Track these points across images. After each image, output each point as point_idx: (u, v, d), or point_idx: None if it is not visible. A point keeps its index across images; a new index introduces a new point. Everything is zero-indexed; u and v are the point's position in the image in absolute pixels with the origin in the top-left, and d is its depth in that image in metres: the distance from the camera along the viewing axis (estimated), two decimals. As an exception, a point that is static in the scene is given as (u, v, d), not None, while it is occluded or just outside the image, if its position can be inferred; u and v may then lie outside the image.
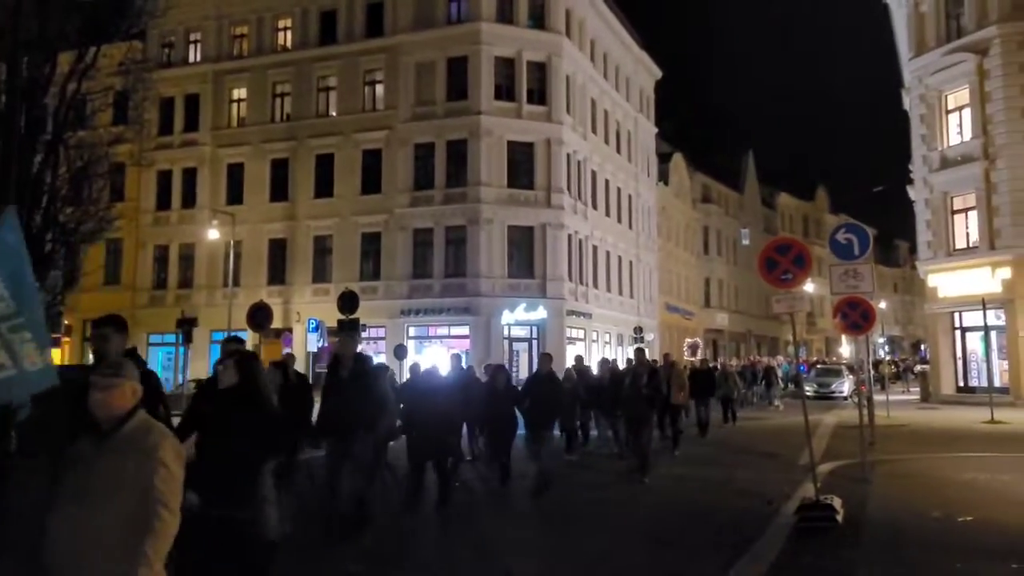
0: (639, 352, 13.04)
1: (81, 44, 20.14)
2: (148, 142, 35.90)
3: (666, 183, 49.99)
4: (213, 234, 32.69)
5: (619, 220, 41.06)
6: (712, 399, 19.75)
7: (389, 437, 10.14)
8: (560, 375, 15.46)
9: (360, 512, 8.17)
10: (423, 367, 11.53)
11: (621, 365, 19.93)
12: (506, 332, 32.28)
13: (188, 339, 27.61)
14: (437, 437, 9.33)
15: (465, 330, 32.30)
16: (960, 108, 27.71)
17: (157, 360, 35.98)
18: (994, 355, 25.79)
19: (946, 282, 27.69)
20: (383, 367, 11.19)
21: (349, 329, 19.27)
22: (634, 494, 10.61)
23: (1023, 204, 25.42)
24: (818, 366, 39.19)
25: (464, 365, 16.07)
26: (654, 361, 17.54)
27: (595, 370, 17.38)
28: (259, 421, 4.96)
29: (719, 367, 24.18)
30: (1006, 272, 25.37)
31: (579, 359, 17.57)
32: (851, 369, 33.63)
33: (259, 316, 17.98)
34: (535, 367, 17.07)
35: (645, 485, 11.21)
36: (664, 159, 50.30)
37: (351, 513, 8.12)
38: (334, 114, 35.57)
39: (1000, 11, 26.10)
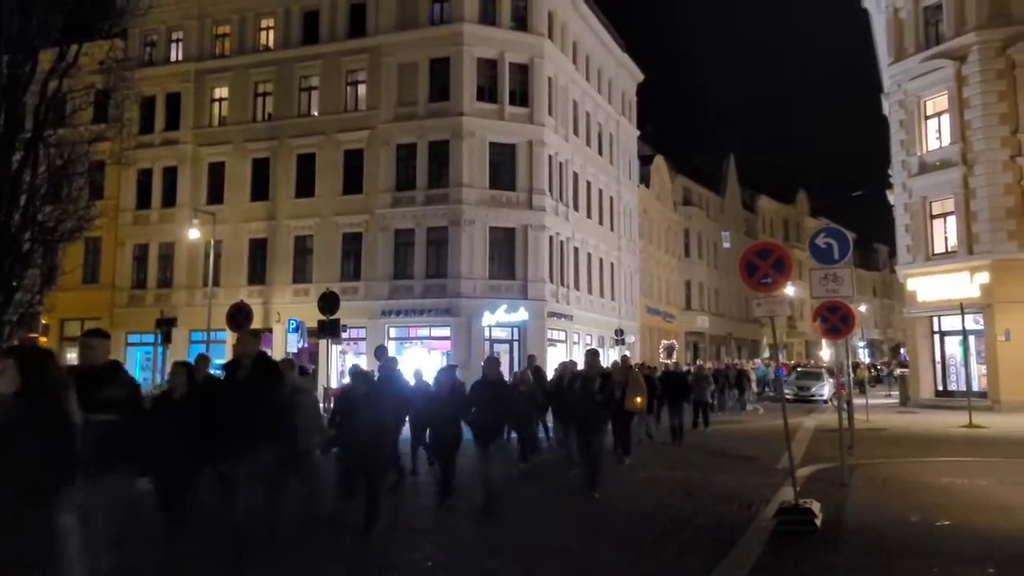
0: (591, 354, 12.12)
1: (62, 42, 19.98)
2: (129, 141, 35.57)
3: (647, 185, 50.13)
4: (193, 233, 32.42)
5: (600, 222, 41.11)
6: (686, 403, 19.18)
7: (311, 449, 8.72)
8: (533, 377, 15.07)
9: (269, 530, 7.40)
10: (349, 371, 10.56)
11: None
12: (487, 334, 32.19)
13: (167, 339, 27.38)
14: (363, 450, 8.28)
15: (446, 331, 32.21)
16: (939, 114, 27.99)
17: (136, 360, 35.68)
18: (973, 359, 26.05)
19: (925, 286, 27.95)
20: (289, 363, 9.40)
21: (244, 327, 18.19)
22: (611, 499, 10.57)
23: (1001, 209, 25.71)
24: (798, 369, 39.36)
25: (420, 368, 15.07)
26: (614, 364, 16.95)
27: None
28: (46, 436, 3.99)
29: (694, 370, 23.50)
30: (984, 277, 25.63)
31: (531, 359, 16.43)
32: (831, 372, 33.87)
33: (239, 316, 17.90)
34: (517, 369, 16.05)
35: (612, 492, 10.90)
36: (646, 161, 50.44)
37: (263, 531, 7.34)
38: (316, 114, 35.37)
39: (978, 18, 26.39)
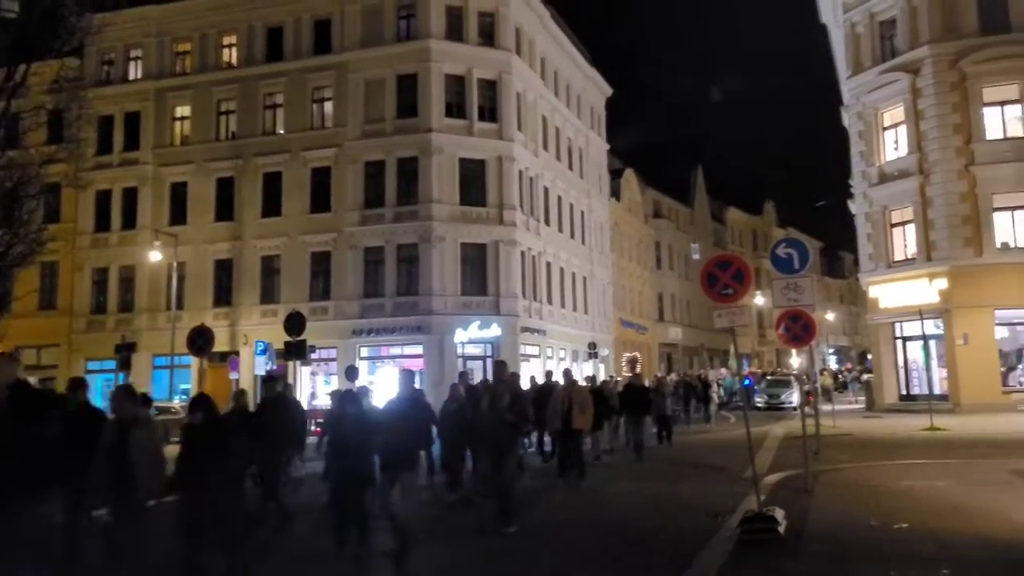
0: (498, 366, 10.75)
1: (11, 62, 19.67)
2: (85, 161, 35.07)
3: (618, 199, 50.44)
4: (155, 256, 31.92)
5: (572, 236, 41.25)
6: (647, 417, 18.17)
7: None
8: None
9: None
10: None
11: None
12: (460, 350, 32.06)
13: (125, 365, 26.87)
14: (207, 498, 6.55)
15: (418, 349, 32.03)
16: (896, 125, 28.54)
17: (96, 387, 34.96)
18: (934, 363, 26.52)
19: (886, 293, 28.37)
20: (125, 391, 7.29)
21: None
22: (579, 513, 10.56)
23: (957, 217, 26.24)
24: (768, 378, 39.56)
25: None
26: (593, 377, 15.76)
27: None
28: None
29: (654, 382, 22.40)
30: (943, 283, 26.09)
31: (463, 375, 14.59)
32: (799, 380, 34.19)
33: (199, 340, 17.61)
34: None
35: (578, 507, 10.82)
36: (616, 175, 50.76)
37: None
38: (281, 132, 35.15)
39: (931, 32, 27.01)
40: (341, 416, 8.46)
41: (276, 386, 10.71)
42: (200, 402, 7.07)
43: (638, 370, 26.74)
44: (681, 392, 26.53)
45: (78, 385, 8.18)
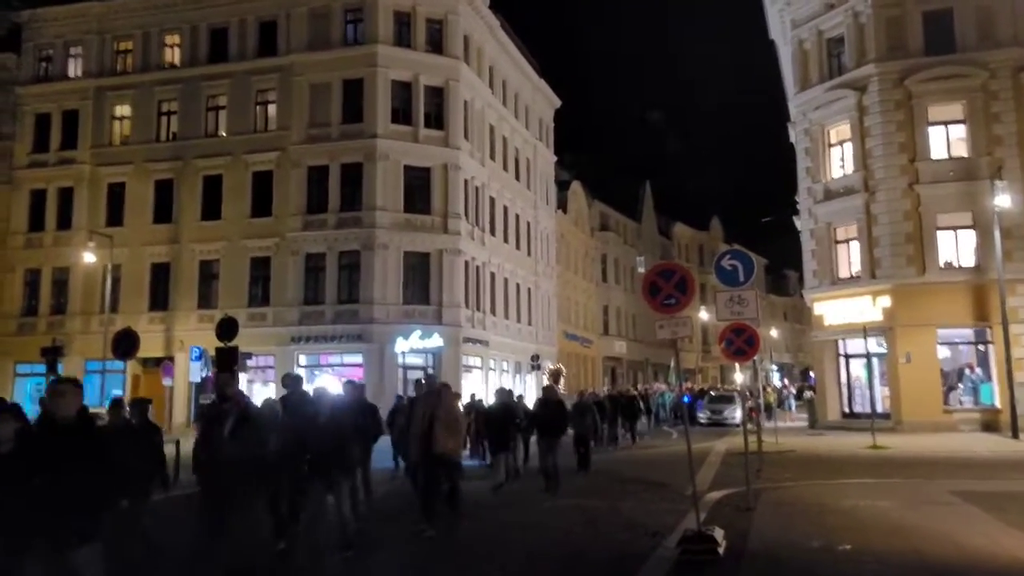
0: (222, 378, 7.97)
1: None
2: (19, 159, 33.77)
3: (565, 211, 50.33)
4: (89, 257, 30.78)
5: (517, 247, 40.91)
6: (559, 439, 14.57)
7: None
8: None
9: None
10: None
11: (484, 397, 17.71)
12: (401, 360, 31.44)
13: (52, 369, 25.74)
14: None
15: (358, 358, 31.36)
16: (842, 142, 28.78)
17: (25, 391, 33.50)
18: (876, 381, 26.66)
19: (831, 310, 28.52)
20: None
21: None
22: (510, 533, 10.09)
23: (901, 235, 26.48)
24: (711, 394, 39.61)
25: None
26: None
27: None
28: None
29: (577, 398, 19.62)
30: (886, 300, 26.27)
31: (285, 378, 10.45)
32: (744, 396, 34.19)
33: (125, 343, 16.82)
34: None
35: (510, 523, 10.20)
36: (563, 187, 50.68)
37: None
38: (223, 134, 34.22)
39: (877, 50, 27.35)
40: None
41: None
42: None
43: (561, 384, 24.75)
44: (608, 408, 23.40)
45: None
